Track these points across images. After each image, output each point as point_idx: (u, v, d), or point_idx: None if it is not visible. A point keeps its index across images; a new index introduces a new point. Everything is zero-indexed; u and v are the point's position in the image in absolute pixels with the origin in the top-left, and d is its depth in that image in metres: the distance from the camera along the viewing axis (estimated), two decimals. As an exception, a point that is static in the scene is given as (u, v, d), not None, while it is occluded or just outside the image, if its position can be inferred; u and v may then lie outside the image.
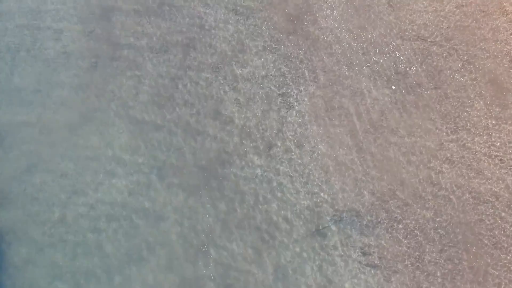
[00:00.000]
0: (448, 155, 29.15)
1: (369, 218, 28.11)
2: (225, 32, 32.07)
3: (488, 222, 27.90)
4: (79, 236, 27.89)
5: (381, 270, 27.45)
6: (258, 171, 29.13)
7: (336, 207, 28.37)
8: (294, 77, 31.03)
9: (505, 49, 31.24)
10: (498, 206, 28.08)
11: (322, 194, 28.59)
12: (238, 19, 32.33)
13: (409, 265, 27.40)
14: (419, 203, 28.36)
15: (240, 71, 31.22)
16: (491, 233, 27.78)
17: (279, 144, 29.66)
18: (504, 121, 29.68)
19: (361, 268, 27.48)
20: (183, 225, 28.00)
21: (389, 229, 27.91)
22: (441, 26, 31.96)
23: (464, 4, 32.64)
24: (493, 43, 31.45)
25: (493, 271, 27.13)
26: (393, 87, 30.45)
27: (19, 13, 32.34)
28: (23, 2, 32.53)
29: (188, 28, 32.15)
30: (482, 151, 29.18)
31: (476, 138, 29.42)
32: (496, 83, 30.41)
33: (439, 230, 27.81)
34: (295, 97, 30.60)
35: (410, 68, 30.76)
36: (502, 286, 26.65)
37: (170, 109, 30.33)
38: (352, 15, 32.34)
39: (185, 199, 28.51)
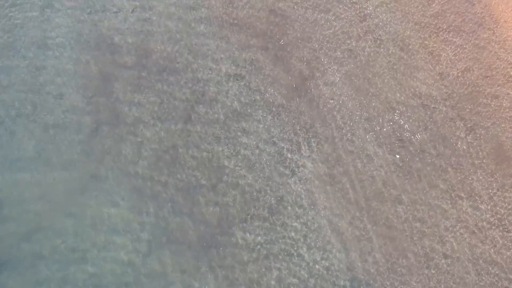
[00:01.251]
0: (452, 223, 31.95)
1: (374, 285, 31.69)
2: (227, 98, 34.87)
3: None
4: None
5: None
6: (260, 238, 31.58)
7: (340, 274, 30.76)
8: (296, 143, 33.76)
9: (509, 115, 34.62)
10: (502, 276, 31.17)
11: (325, 261, 31.00)
12: (240, 84, 35.30)
13: None
14: (422, 271, 31.10)
15: (242, 137, 33.89)
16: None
17: (282, 211, 32.04)
18: (508, 189, 32.69)
19: None
20: (184, 294, 30.89)
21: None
22: (446, 92, 34.97)
23: (469, 69, 36.33)
24: (497, 110, 34.55)
25: None
26: (398, 156, 33.43)
27: (19, 77, 35.01)
28: (23, 67, 35.22)
29: (190, 94, 34.93)
30: (486, 219, 32.09)
31: (480, 206, 32.24)
32: (500, 150, 33.32)
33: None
34: (297, 163, 33.21)
35: (414, 136, 33.76)
36: None
37: (171, 176, 32.76)
38: (356, 82, 35.34)
39: (185, 267, 30.81)
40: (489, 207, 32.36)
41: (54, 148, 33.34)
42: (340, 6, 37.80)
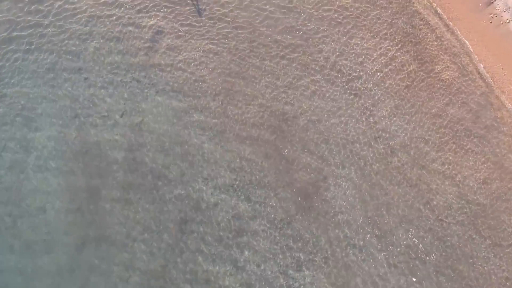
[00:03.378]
0: None
1: None
2: (224, 211, 37.17)
3: None
4: None
5: None
6: None
7: None
8: (300, 262, 35.91)
9: (534, 232, 36.80)
10: None
11: None
12: (238, 196, 37.70)
13: None
14: None
15: (240, 254, 35.94)
16: None
17: None
18: (535, 313, 34.71)
19: None
20: None
21: None
22: (464, 205, 38.07)
23: (488, 180, 38.95)
24: (520, 226, 37.21)
25: None
26: (414, 279, 35.65)
27: (-1, 189, 36.26)
28: (1, 175, 37.24)
29: (183, 206, 37.14)
30: None
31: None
32: (524, 270, 35.73)
33: None
34: (301, 283, 35.32)
35: (430, 256, 36.29)
36: None
37: (163, 298, 34.27)
38: (367, 195, 38.20)
39: None
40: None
41: (36, 265, 34.97)
42: (348, 111, 41.21)
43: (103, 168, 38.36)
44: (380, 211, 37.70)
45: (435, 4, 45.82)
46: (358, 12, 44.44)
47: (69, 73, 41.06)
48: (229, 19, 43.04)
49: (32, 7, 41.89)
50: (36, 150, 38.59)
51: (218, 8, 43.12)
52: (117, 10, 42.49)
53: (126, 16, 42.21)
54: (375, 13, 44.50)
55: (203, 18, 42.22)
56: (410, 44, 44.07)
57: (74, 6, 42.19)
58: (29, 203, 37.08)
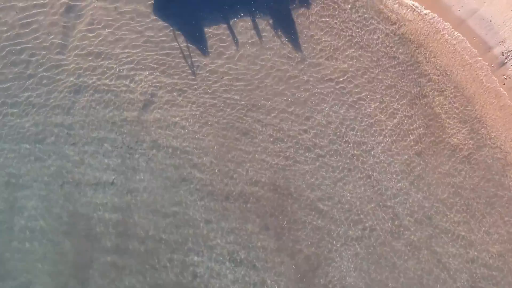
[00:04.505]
0: None
1: None
2: (222, 282, 37.23)
3: None
4: None
5: None
6: None
7: None
8: None
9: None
10: None
11: None
12: (236, 272, 37.68)
13: None
14: None
15: None
16: None
17: None
18: None
19: None
20: None
21: None
22: (474, 271, 38.50)
23: (504, 253, 38.93)
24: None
25: None
26: None
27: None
28: None
29: (178, 274, 37.10)
30: None
31: None
32: None
33: None
34: None
35: None
36: None
37: None
38: (373, 270, 38.11)
39: None
40: None
41: None
42: (352, 179, 40.99)
43: (91, 239, 38.03)
44: (387, 284, 37.68)
45: (444, 66, 45.52)
46: (362, 72, 44.05)
47: (57, 129, 40.63)
48: (225, 71, 42.74)
49: (13, 57, 41.34)
50: (22, 212, 38.32)
51: (214, 60, 42.63)
52: (105, 62, 42.04)
53: (116, 70, 41.85)
54: (380, 76, 44.11)
55: (198, 71, 41.74)
56: (418, 108, 43.89)
57: (59, 57, 41.73)
58: (14, 277, 36.75)
